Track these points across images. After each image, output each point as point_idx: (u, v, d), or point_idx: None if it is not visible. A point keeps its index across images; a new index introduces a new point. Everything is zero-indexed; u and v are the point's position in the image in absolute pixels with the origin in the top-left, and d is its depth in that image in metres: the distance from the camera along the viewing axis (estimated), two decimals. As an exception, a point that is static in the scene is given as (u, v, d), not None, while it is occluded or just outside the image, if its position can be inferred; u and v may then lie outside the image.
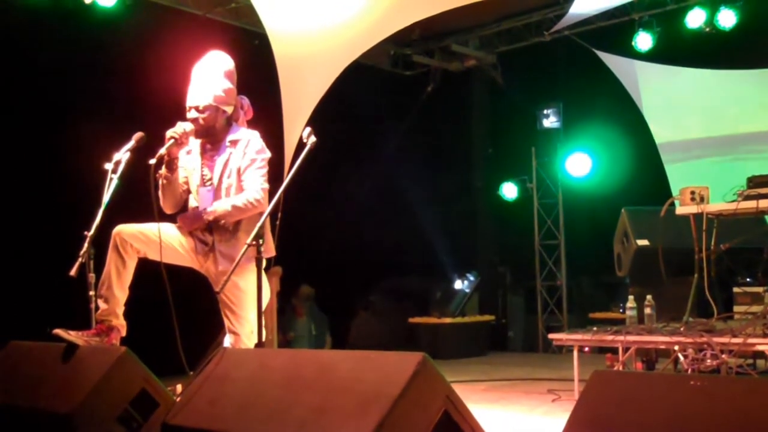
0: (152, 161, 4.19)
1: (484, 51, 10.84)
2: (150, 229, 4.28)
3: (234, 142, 4.46)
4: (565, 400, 6.11)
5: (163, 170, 4.37)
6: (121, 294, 4.28)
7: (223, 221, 4.34)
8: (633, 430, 2.37)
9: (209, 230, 4.41)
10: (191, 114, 4.43)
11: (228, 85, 4.50)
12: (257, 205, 4.31)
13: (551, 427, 5.06)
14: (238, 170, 4.41)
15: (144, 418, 3.60)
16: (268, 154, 4.48)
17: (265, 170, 4.42)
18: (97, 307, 4.27)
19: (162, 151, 4.26)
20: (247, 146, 4.42)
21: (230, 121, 4.55)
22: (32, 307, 6.26)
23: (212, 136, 4.50)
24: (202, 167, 4.52)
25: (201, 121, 4.41)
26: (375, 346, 9.62)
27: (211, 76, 4.48)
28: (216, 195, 4.43)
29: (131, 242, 4.24)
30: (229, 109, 4.52)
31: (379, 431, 2.54)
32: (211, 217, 4.33)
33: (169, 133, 4.30)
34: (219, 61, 4.55)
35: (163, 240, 4.32)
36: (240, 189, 4.40)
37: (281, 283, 6.92)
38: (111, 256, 4.25)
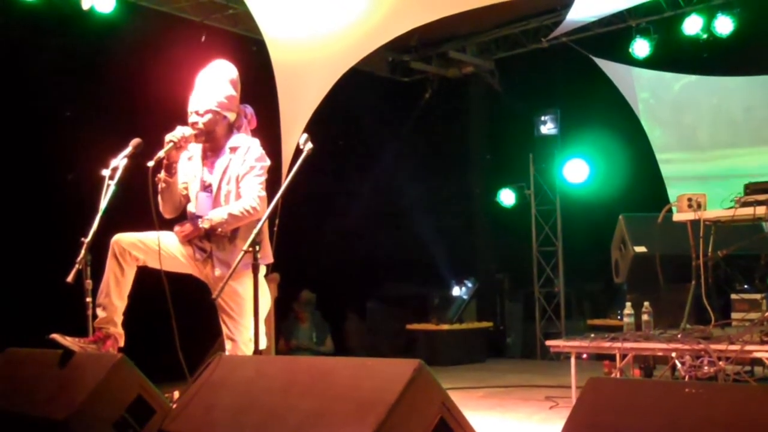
0: (150, 164, 4.20)
1: (481, 58, 10.86)
2: (149, 237, 4.29)
3: (234, 149, 4.47)
4: (563, 407, 6.11)
5: (162, 174, 4.39)
6: (119, 303, 4.28)
7: (220, 229, 4.34)
8: (628, 437, 2.37)
9: (207, 237, 4.41)
10: (192, 118, 4.46)
11: (231, 92, 4.52)
12: (253, 213, 4.31)
13: (548, 433, 5.06)
14: (237, 177, 4.42)
15: (140, 425, 3.59)
16: (267, 162, 4.49)
17: (263, 178, 4.42)
18: (95, 315, 4.27)
19: (161, 154, 4.28)
20: (246, 153, 4.43)
21: (232, 129, 4.56)
22: (29, 314, 6.24)
23: (213, 141, 4.51)
24: (202, 173, 4.53)
25: (201, 125, 4.43)
26: (373, 352, 9.63)
27: (214, 82, 4.51)
28: (215, 201, 4.44)
29: (130, 251, 4.25)
30: (231, 116, 4.54)
31: (375, 438, 2.54)
32: (207, 225, 4.33)
33: (168, 137, 4.33)
34: (223, 69, 4.59)
35: (163, 248, 4.33)
36: (239, 196, 4.41)
37: (279, 290, 6.91)
38: (110, 265, 4.26)
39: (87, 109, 7.34)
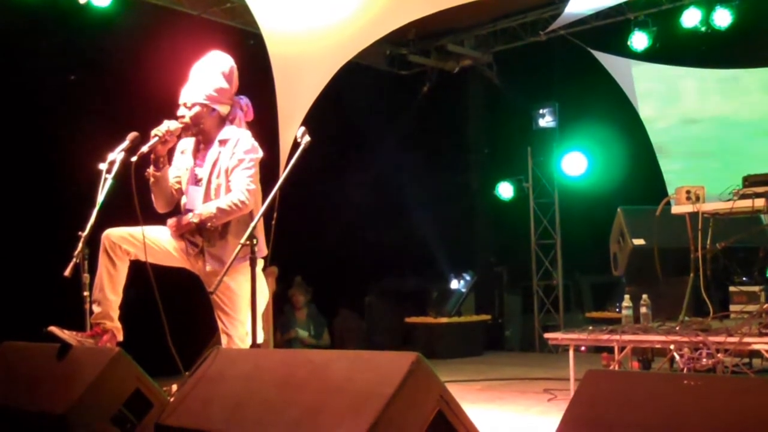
0: (134, 159, 4.19)
1: (480, 51, 10.84)
2: (139, 231, 4.27)
3: (224, 142, 4.44)
4: (561, 400, 6.10)
5: (151, 169, 4.38)
6: (114, 297, 4.28)
7: (209, 224, 4.32)
8: (626, 430, 2.37)
9: (199, 232, 4.39)
10: (180, 111, 4.45)
11: (222, 84, 4.48)
12: (242, 206, 4.29)
13: (547, 426, 5.05)
14: (227, 170, 4.39)
15: (138, 419, 3.60)
16: (258, 155, 4.44)
17: (252, 171, 4.37)
18: (91, 310, 4.27)
19: (144, 149, 4.26)
20: (235, 146, 4.39)
21: (225, 121, 4.52)
22: (26, 308, 6.24)
23: (203, 134, 4.49)
24: (194, 167, 4.51)
25: (187, 119, 4.42)
26: (371, 346, 9.63)
27: (205, 74, 4.48)
28: (206, 195, 4.42)
29: (120, 244, 4.24)
30: (223, 109, 4.50)
31: (373, 431, 2.54)
32: (196, 220, 4.32)
33: (153, 131, 4.31)
34: (217, 60, 4.54)
35: (155, 242, 4.32)
36: (229, 189, 4.38)
37: (277, 284, 6.90)
38: (102, 260, 4.26)
39: (84, 103, 7.32)
